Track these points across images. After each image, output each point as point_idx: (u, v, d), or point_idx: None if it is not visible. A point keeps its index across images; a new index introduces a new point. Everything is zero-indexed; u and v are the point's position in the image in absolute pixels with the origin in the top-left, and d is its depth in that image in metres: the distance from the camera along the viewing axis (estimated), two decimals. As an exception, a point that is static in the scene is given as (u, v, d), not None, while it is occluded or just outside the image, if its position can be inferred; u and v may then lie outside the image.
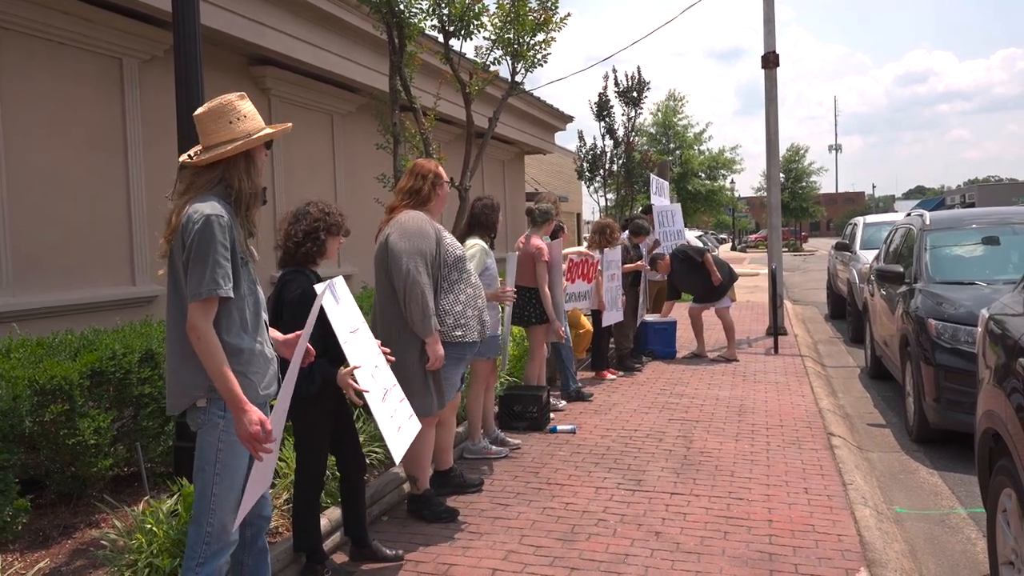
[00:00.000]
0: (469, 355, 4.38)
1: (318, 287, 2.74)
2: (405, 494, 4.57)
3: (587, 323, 8.28)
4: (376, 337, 3.93)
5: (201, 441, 2.58)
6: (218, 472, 2.56)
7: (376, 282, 4.17)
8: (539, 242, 6.29)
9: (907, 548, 4.11)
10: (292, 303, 3.37)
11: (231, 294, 2.48)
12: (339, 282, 3.31)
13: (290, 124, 2.79)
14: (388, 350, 3.55)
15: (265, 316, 2.72)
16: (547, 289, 6.19)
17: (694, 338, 9.43)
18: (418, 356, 4.01)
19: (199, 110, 2.62)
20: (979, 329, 3.88)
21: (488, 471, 5.11)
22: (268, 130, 2.63)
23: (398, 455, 3.30)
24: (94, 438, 3.79)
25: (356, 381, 3.25)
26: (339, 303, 3.23)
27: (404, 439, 3.36)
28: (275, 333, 2.89)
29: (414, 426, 3.51)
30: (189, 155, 2.61)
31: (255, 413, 2.46)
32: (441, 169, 4.34)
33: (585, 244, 8.16)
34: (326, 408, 3.55)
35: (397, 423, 3.35)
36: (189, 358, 2.52)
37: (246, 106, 2.63)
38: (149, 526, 3.23)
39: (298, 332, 2.74)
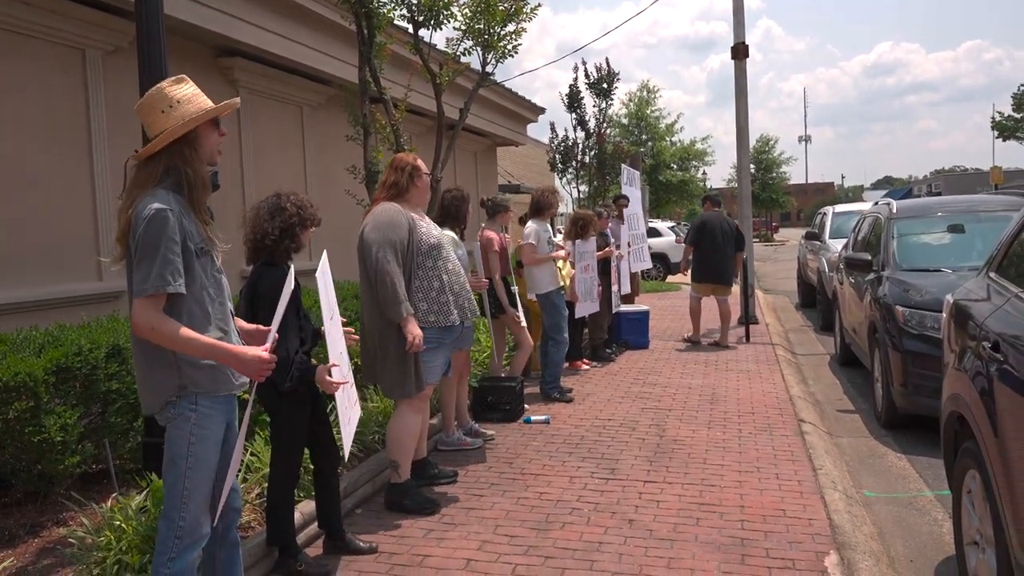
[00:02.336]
0: (448, 339, 4.43)
1: (287, 284, 2.72)
2: (380, 486, 4.56)
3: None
4: (362, 323, 4.23)
5: (171, 435, 2.54)
6: (190, 466, 2.52)
7: (360, 272, 4.29)
8: (491, 233, 6.29)
9: (876, 531, 4.18)
10: (268, 297, 3.31)
11: (181, 290, 2.41)
12: (324, 261, 3.32)
13: (237, 100, 2.67)
14: (352, 330, 3.62)
15: (230, 304, 2.67)
16: (498, 278, 6.16)
17: (667, 328, 9.51)
18: (396, 339, 4.11)
19: (138, 103, 2.55)
20: (944, 315, 3.95)
21: (463, 462, 5.11)
22: (198, 112, 2.50)
23: (348, 445, 3.42)
24: (60, 435, 3.73)
25: (333, 377, 3.26)
26: (326, 281, 3.26)
27: (351, 431, 3.47)
28: (241, 323, 2.85)
29: (358, 413, 3.63)
30: (135, 151, 2.56)
31: (246, 350, 2.50)
32: (420, 162, 4.45)
33: (560, 236, 8.17)
34: (303, 402, 3.53)
35: (348, 414, 3.42)
36: (156, 359, 2.48)
37: (181, 90, 2.52)
38: (118, 523, 3.19)
39: (267, 327, 2.71)
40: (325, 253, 3.45)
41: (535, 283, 6.84)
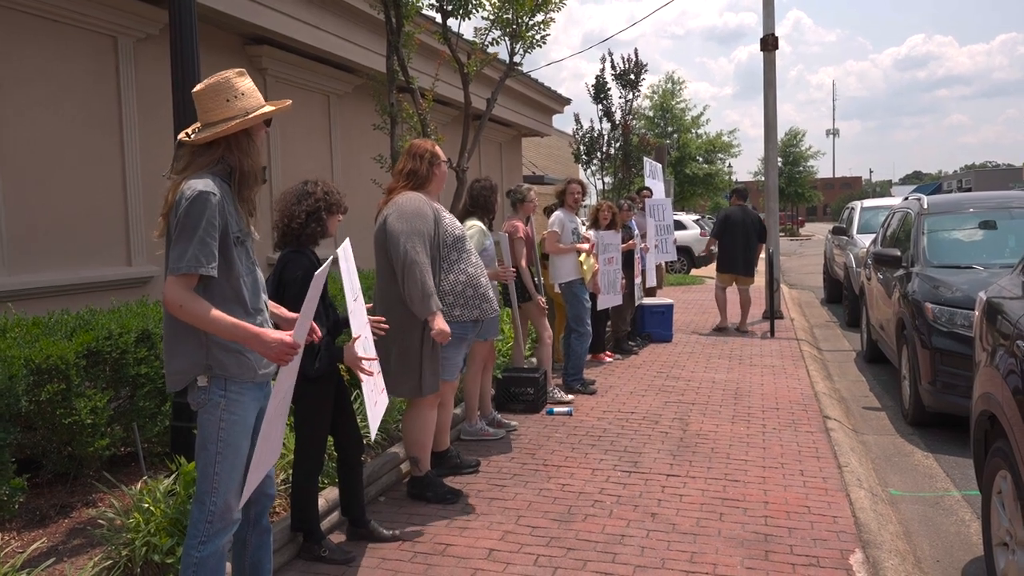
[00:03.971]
0: (471, 334, 4.40)
1: (319, 270, 2.73)
2: (403, 475, 4.59)
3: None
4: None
5: (203, 420, 2.58)
6: (220, 451, 2.55)
7: (376, 264, 4.18)
8: (516, 221, 6.30)
9: (902, 530, 4.14)
10: (294, 283, 3.35)
11: (214, 273, 2.44)
12: (347, 245, 3.34)
13: (289, 101, 2.75)
14: (380, 318, 3.59)
15: (265, 296, 2.70)
16: (524, 264, 6.16)
17: (691, 321, 9.51)
18: (418, 335, 4.04)
19: (197, 87, 2.59)
20: (976, 312, 3.88)
21: (485, 452, 5.12)
22: (267, 108, 2.60)
23: (375, 428, 3.39)
24: (90, 418, 3.78)
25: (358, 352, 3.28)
26: (348, 266, 3.27)
27: (379, 413, 3.46)
28: (278, 309, 2.88)
29: (386, 400, 3.62)
30: (187, 133, 2.59)
31: (270, 333, 2.49)
32: (438, 149, 4.33)
33: (584, 227, 8.14)
34: (328, 388, 3.56)
35: (375, 398, 3.42)
36: (184, 337, 2.51)
37: (245, 83, 2.59)
38: (146, 505, 3.24)
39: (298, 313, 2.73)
40: (348, 239, 3.47)
41: (557, 272, 6.82)
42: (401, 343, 4.06)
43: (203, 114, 2.56)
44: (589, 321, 6.96)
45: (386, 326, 3.56)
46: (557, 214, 6.89)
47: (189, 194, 2.43)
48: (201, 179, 2.47)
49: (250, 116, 2.54)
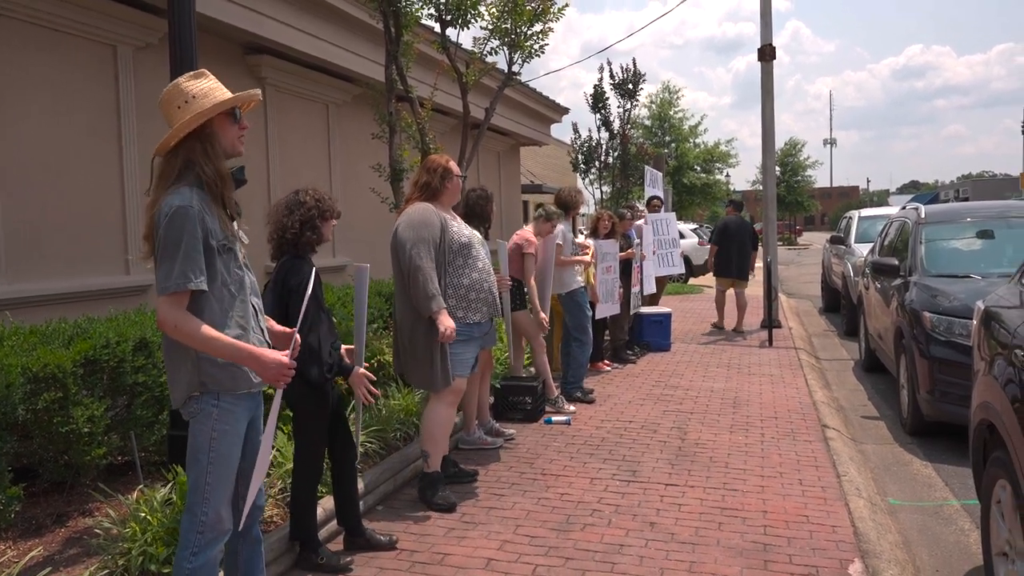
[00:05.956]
0: (477, 335, 4.53)
1: (308, 288, 2.76)
2: (401, 484, 4.59)
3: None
4: (395, 318, 4.50)
5: (194, 431, 2.56)
6: (212, 461, 2.53)
7: (393, 270, 4.43)
8: (527, 234, 6.30)
9: (901, 539, 4.13)
10: (299, 291, 3.32)
11: (204, 287, 2.41)
12: (366, 271, 3.44)
13: (256, 91, 2.62)
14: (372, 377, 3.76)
15: (256, 301, 2.67)
16: (532, 283, 6.18)
17: (689, 330, 9.54)
18: (425, 334, 4.24)
19: (159, 98, 2.55)
20: (975, 321, 3.89)
21: (483, 461, 5.11)
22: (209, 106, 2.47)
23: (358, 442, 3.71)
24: (87, 426, 3.77)
25: (369, 382, 3.56)
26: (363, 291, 3.38)
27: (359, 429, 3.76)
28: (272, 324, 2.87)
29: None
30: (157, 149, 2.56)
31: (267, 354, 2.49)
32: (452, 164, 4.57)
33: (582, 236, 8.15)
34: (326, 398, 3.56)
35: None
36: (179, 354, 2.50)
37: (198, 85, 2.51)
38: (143, 515, 3.23)
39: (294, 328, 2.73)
40: (368, 266, 3.61)
41: (560, 282, 6.83)
42: (414, 341, 4.29)
43: (167, 124, 2.51)
44: (591, 329, 6.96)
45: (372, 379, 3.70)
46: (560, 227, 6.87)
47: (167, 211, 2.39)
48: (177, 193, 2.42)
49: (191, 116, 2.45)
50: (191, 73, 2.56)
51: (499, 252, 5.78)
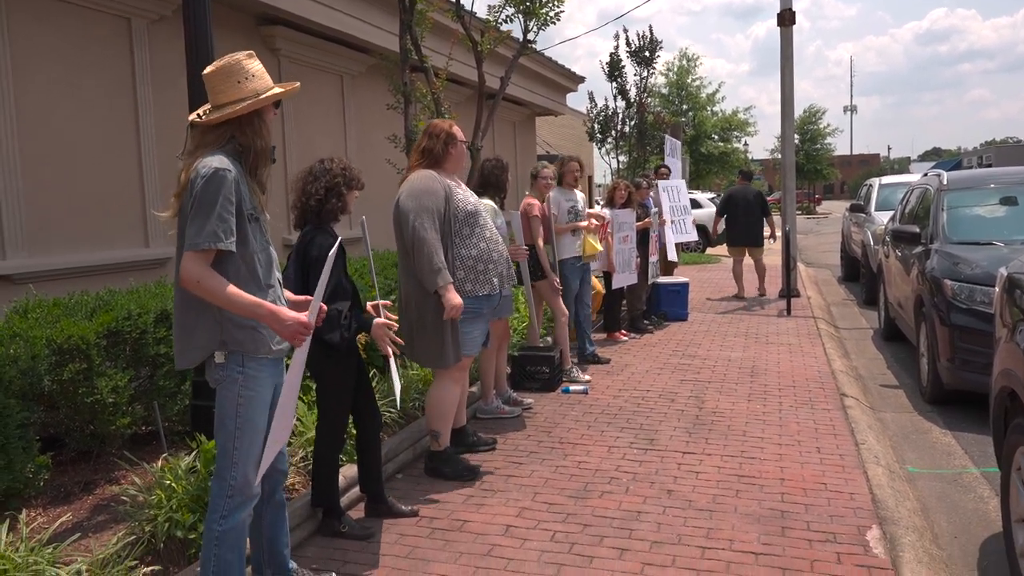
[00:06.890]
0: (486, 308, 4.40)
1: (331, 251, 2.77)
2: (420, 452, 4.62)
3: (599, 284, 8.25)
4: (400, 293, 4.31)
5: (221, 397, 2.61)
6: (239, 427, 2.60)
7: (397, 243, 4.25)
8: (531, 199, 6.27)
9: (919, 506, 4.13)
10: (320, 261, 3.33)
11: (232, 248, 2.48)
12: (363, 222, 3.46)
13: (298, 84, 2.78)
14: (394, 318, 3.75)
15: (278, 274, 2.72)
16: (540, 243, 6.14)
17: (707, 300, 9.54)
18: (433, 310, 4.10)
19: (208, 69, 2.61)
20: (997, 289, 3.84)
21: (501, 430, 5.15)
22: (277, 89, 2.63)
23: (398, 395, 3.62)
24: (112, 397, 3.83)
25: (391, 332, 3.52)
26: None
27: (399, 382, 3.67)
28: (288, 295, 2.89)
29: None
30: (199, 114, 2.61)
31: (284, 312, 2.53)
32: (456, 129, 4.37)
33: (599, 206, 8.11)
34: (350, 365, 3.58)
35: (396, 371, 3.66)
36: (199, 313, 2.54)
37: (255, 65, 2.62)
38: (168, 482, 3.28)
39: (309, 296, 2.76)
40: (364, 218, 3.54)
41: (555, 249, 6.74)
42: (421, 317, 4.15)
43: (214, 96, 2.58)
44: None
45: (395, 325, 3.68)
46: (552, 193, 6.75)
47: (205, 172, 2.46)
48: (215, 157, 2.51)
49: (261, 97, 2.57)
50: (245, 53, 2.64)
51: (512, 222, 5.76)
